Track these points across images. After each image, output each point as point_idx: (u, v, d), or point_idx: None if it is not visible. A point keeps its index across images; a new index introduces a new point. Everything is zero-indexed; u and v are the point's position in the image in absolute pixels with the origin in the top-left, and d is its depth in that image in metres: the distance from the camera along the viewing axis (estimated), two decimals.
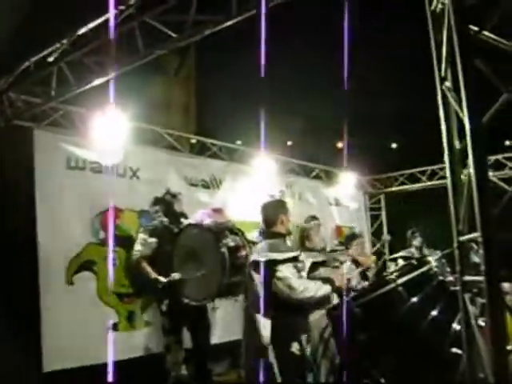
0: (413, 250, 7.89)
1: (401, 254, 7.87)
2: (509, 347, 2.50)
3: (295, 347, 3.92)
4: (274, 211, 4.41)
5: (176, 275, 5.61)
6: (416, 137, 13.74)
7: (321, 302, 4.03)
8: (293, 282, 3.88)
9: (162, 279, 5.71)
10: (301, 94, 13.17)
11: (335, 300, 4.18)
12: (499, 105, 2.74)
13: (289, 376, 3.90)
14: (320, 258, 5.01)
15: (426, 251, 7.74)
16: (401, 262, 7.14)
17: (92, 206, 6.29)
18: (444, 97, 2.99)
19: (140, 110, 7.74)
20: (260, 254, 4.11)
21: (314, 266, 4.65)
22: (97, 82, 5.10)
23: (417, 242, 7.94)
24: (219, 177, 8.02)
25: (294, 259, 4.08)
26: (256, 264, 4.09)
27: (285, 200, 5.15)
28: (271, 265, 3.95)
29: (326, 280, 4.12)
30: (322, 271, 4.59)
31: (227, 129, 10.99)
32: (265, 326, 3.91)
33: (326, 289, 4.00)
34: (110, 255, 6.20)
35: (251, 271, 4.14)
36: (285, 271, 3.92)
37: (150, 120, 7.84)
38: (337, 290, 4.16)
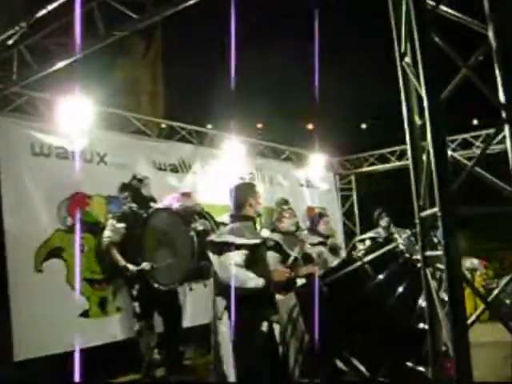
0: (380, 230, 7.97)
1: (368, 235, 7.95)
2: (469, 321, 2.54)
3: (265, 326, 3.94)
4: (242, 194, 4.37)
5: (146, 265, 5.59)
6: (385, 117, 13.84)
7: (250, 291, 3.98)
8: (224, 269, 3.92)
9: (132, 267, 5.69)
10: (270, 77, 13.13)
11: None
12: (457, 81, 2.76)
13: (259, 356, 3.92)
14: (271, 243, 5.00)
15: (393, 230, 7.81)
16: (368, 243, 7.23)
17: (59, 193, 6.20)
18: (404, 73, 2.99)
19: (106, 94, 7.65)
20: (219, 235, 4.13)
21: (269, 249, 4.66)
22: (59, 65, 5.01)
23: (384, 222, 8.01)
24: (188, 161, 7.96)
25: (253, 246, 4.07)
26: (212, 244, 4.14)
27: (254, 183, 5.13)
28: (224, 248, 3.97)
29: (264, 274, 4.09)
30: (271, 259, 4.56)
31: (196, 113, 10.93)
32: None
33: (256, 282, 3.94)
34: (78, 240, 6.14)
35: (208, 251, 4.15)
36: (230, 257, 3.92)
37: (117, 105, 7.74)
38: (276, 284, 4.19)
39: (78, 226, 6.15)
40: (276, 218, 5.66)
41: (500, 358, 5.76)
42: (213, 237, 4.21)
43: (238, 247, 3.96)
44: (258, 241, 4.18)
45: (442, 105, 2.56)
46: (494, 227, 11.90)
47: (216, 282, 4.18)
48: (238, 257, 3.93)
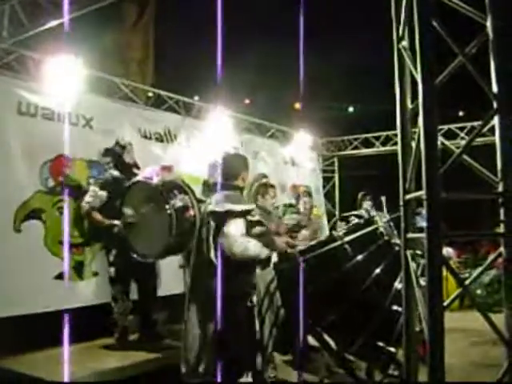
0: (363, 211, 8.05)
1: (353, 212, 8.02)
2: (445, 303, 2.59)
3: (249, 300, 3.95)
4: (237, 165, 4.25)
5: (129, 210, 5.48)
6: (373, 102, 13.88)
7: (260, 262, 4.01)
8: (234, 240, 3.74)
9: (117, 222, 5.65)
10: (261, 54, 13.06)
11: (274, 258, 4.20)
12: (452, 68, 2.79)
13: (243, 329, 3.94)
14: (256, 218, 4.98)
15: (373, 213, 7.88)
16: (353, 219, 7.27)
17: (41, 154, 6.15)
18: (400, 56, 3.02)
19: (96, 58, 7.55)
20: (218, 204, 3.93)
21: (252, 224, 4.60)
22: (52, 23, 4.93)
23: (366, 204, 8.09)
24: (174, 131, 7.93)
25: (249, 212, 3.99)
26: (214, 214, 3.95)
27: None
28: (226, 216, 3.83)
29: (268, 244, 4.03)
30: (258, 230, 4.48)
31: (185, 83, 10.84)
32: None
33: (265, 252, 3.90)
34: (66, 204, 6.12)
35: (210, 221, 3.99)
36: (232, 226, 3.78)
37: (107, 70, 7.65)
38: (278, 254, 4.19)
39: (65, 190, 6.14)
40: (260, 192, 5.57)
41: (467, 344, 5.92)
42: (212, 206, 3.99)
43: (239, 214, 3.85)
44: (253, 206, 4.15)
45: (436, 90, 2.59)
46: (470, 217, 12.08)
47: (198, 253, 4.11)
48: (240, 225, 3.83)
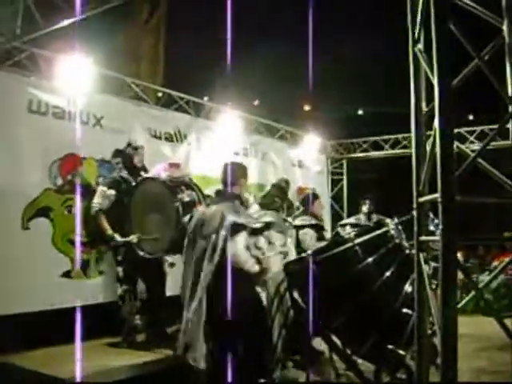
0: (361, 216, 8.04)
1: (349, 220, 8.03)
2: (458, 305, 2.58)
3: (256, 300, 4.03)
4: (236, 172, 4.47)
5: (133, 238, 5.58)
6: (383, 106, 13.85)
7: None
8: (239, 253, 4.01)
9: (118, 238, 5.70)
10: (271, 55, 13.06)
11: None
12: (468, 71, 2.78)
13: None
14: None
15: (374, 218, 7.89)
16: (348, 229, 7.24)
17: (52, 152, 6.17)
18: (415, 59, 3.01)
19: (108, 58, 7.58)
20: (240, 216, 4.20)
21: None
22: (65, 22, 4.95)
23: (365, 208, 8.07)
24: (184, 131, 7.95)
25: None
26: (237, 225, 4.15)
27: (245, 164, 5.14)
28: (238, 228, 4.05)
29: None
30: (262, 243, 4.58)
31: (195, 83, 10.85)
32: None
33: (253, 267, 4.07)
34: (77, 202, 6.14)
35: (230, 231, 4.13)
36: (240, 239, 4.03)
37: (118, 69, 7.67)
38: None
39: (75, 189, 6.16)
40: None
41: (473, 349, 5.90)
42: (234, 218, 4.19)
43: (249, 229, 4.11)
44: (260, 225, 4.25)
45: (453, 92, 2.59)
46: (475, 221, 12.03)
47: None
48: (244, 239, 4.07)
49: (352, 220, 8.01)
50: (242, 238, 4.04)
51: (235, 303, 3.81)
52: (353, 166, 12.00)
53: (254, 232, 4.19)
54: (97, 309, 6.18)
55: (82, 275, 6.36)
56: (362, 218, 7.99)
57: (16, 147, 5.85)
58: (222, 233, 4.10)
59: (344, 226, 7.83)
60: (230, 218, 4.05)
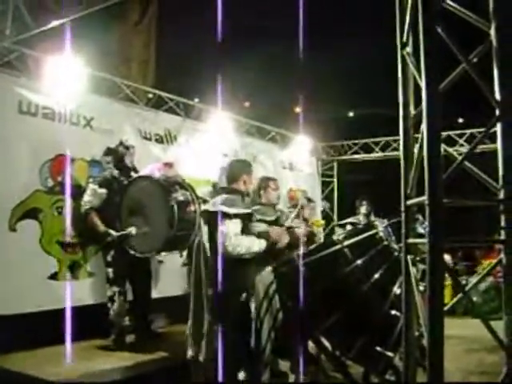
0: (360, 217, 8.07)
1: (348, 220, 8.04)
2: (445, 308, 2.60)
3: (244, 297, 4.04)
4: (238, 169, 4.46)
5: (133, 230, 5.55)
6: (374, 108, 13.91)
7: (254, 254, 4.11)
8: (228, 239, 3.94)
9: (113, 233, 5.68)
10: (262, 57, 13.08)
11: None
12: (456, 75, 2.80)
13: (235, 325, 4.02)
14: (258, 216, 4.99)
15: (372, 219, 7.91)
16: (349, 228, 7.31)
17: (42, 153, 6.16)
18: (404, 62, 3.03)
19: (97, 58, 7.55)
20: (213, 205, 4.15)
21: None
22: (55, 23, 4.93)
23: (364, 209, 8.10)
24: (174, 132, 7.96)
25: (246, 215, 4.13)
26: (206, 214, 4.21)
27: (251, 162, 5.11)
28: (218, 217, 4.00)
29: (262, 235, 4.21)
30: (258, 226, 4.58)
31: (186, 85, 10.85)
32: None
33: (259, 244, 4.09)
34: (67, 204, 6.12)
35: (201, 222, 4.22)
36: (227, 226, 3.97)
37: (108, 70, 7.65)
38: (272, 244, 4.24)
39: (68, 190, 6.14)
40: (262, 187, 5.52)
41: (461, 351, 5.93)
42: (207, 206, 4.25)
43: (233, 217, 4.02)
44: (249, 210, 4.25)
45: (440, 96, 2.61)
46: (465, 224, 12.10)
47: (199, 252, 4.25)
48: (234, 226, 4.01)
49: (351, 220, 8.03)
50: (234, 226, 4.03)
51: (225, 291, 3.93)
52: (343, 167, 12.05)
53: (249, 218, 4.23)
54: (85, 310, 6.15)
55: (69, 277, 6.32)
56: (361, 219, 8.02)
57: (6, 148, 5.82)
58: (205, 228, 4.23)
59: (343, 225, 7.86)
60: (220, 207, 4.04)
